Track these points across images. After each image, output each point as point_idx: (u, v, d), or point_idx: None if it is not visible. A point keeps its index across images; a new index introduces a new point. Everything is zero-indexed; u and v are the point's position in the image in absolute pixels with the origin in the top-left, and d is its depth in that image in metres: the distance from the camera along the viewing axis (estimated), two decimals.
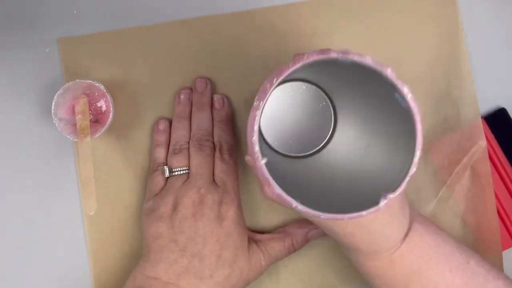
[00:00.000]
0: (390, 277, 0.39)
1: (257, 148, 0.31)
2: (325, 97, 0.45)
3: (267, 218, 0.48)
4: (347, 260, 0.48)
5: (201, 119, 0.46)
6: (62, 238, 0.47)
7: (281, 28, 0.48)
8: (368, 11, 0.48)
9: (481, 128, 0.48)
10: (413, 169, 0.32)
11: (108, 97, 0.44)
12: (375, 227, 0.37)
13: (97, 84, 0.44)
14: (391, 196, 0.32)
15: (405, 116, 0.32)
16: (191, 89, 0.47)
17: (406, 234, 0.38)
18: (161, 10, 0.48)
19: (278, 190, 0.32)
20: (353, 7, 0.48)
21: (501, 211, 0.48)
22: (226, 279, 0.41)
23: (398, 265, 0.38)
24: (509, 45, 0.50)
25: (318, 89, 0.45)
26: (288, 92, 0.45)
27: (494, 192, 0.48)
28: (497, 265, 0.47)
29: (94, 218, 0.47)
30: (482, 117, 0.49)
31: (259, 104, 0.32)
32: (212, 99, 0.47)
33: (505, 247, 0.48)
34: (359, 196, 0.36)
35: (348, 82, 0.40)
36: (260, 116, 0.32)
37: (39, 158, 0.47)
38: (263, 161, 0.31)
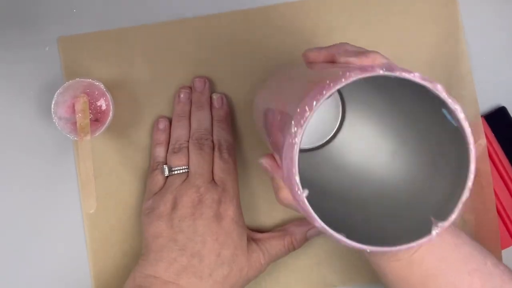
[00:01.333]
0: (407, 278, 0.38)
1: (297, 179, 0.28)
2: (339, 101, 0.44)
3: (267, 216, 0.48)
4: (347, 260, 0.48)
5: (200, 118, 0.46)
6: (62, 238, 0.47)
7: (281, 27, 0.48)
8: (368, 10, 0.49)
9: (481, 128, 0.48)
10: (466, 194, 0.29)
11: (108, 96, 0.44)
12: None
13: (97, 83, 0.44)
14: (444, 224, 0.29)
15: (448, 133, 0.30)
16: (191, 88, 0.47)
17: None
18: (161, 10, 0.48)
19: (320, 223, 0.28)
20: (353, 7, 0.48)
21: (501, 210, 0.48)
22: (225, 278, 0.41)
23: (417, 267, 0.37)
24: (509, 45, 0.50)
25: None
26: None
27: (494, 191, 0.48)
28: None
29: (94, 218, 0.47)
30: (482, 116, 0.49)
31: (296, 131, 0.27)
32: (211, 98, 0.47)
33: (504, 246, 0.48)
34: (389, 208, 0.35)
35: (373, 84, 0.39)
36: (299, 145, 0.28)
37: (39, 158, 0.47)
38: (304, 194, 0.28)
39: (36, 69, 0.47)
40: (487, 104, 0.49)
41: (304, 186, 0.29)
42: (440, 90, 0.29)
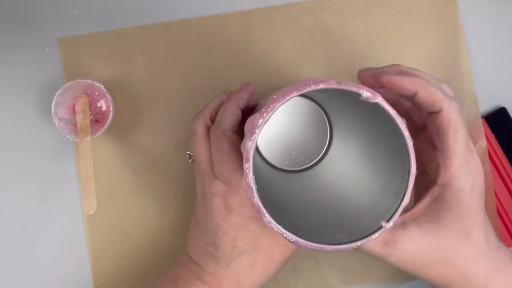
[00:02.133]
0: None
1: (264, 213, 0.31)
2: (321, 111, 0.45)
3: None
4: (347, 260, 0.48)
5: None
6: (62, 238, 0.47)
7: (281, 28, 0.48)
8: (368, 11, 0.49)
9: (481, 128, 0.48)
10: (405, 201, 0.32)
11: (108, 97, 0.44)
12: (461, 261, 0.36)
13: (97, 84, 0.44)
14: (387, 226, 0.32)
15: (402, 149, 0.32)
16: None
17: (499, 273, 0.37)
18: (161, 10, 0.48)
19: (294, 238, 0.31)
20: (353, 7, 0.48)
21: (501, 211, 0.48)
22: (251, 266, 0.38)
23: None
24: (509, 45, 0.50)
25: (313, 103, 0.45)
26: (284, 106, 0.45)
27: (494, 192, 0.48)
28: None
29: (94, 218, 0.47)
30: (482, 117, 0.49)
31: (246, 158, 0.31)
32: None
33: None
34: (357, 221, 0.36)
35: (344, 102, 0.40)
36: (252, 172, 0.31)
37: (39, 158, 0.47)
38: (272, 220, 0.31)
39: (36, 70, 0.47)
40: (487, 104, 0.49)
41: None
42: (396, 117, 0.31)
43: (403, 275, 0.48)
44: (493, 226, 0.47)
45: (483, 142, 0.48)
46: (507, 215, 0.48)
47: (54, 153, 0.48)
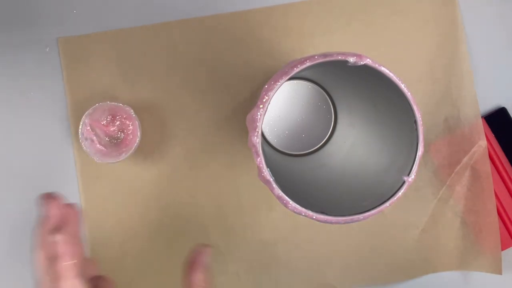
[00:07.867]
0: None
1: (288, 201, 0.32)
2: (326, 97, 0.46)
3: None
4: (347, 260, 0.48)
5: None
6: None
7: (281, 28, 0.48)
8: (368, 11, 0.49)
9: (481, 128, 0.48)
10: (420, 150, 0.33)
11: (136, 122, 0.45)
12: None
13: (126, 108, 0.45)
14: (410, 179, 0.33)
15: (404, 103, 0.33)
16: None
17: None
18: (161, 10, 0.48)
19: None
20: (353, 7, 0.48)
21: (501, 211, 0.48)
22: None
23: None
24: (509, 45, 0.50)
25: (319, 88, 0.45)
26: (289, 90, 0.45)
27: (494, 192, 0.48)
28: (496, 265, 0.48)
29: (94, 219, 0.47)
30: (482, 117, 0.49)
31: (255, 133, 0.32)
32: None
33: (504, 247, 0.48)
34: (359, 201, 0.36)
35: (353, 86, 0.41)
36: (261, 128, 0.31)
37: (38, 158, 0.47)
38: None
39: (36, 70, 0.47)
40: (487, 104, 0.49)
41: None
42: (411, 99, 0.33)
43: (402, 275, 0.48)
44: (493, 226, 0.48)
45: (483, 142, 0.48)
46: (507, 215, 0.48)
47: (54, 152, 0.48)
